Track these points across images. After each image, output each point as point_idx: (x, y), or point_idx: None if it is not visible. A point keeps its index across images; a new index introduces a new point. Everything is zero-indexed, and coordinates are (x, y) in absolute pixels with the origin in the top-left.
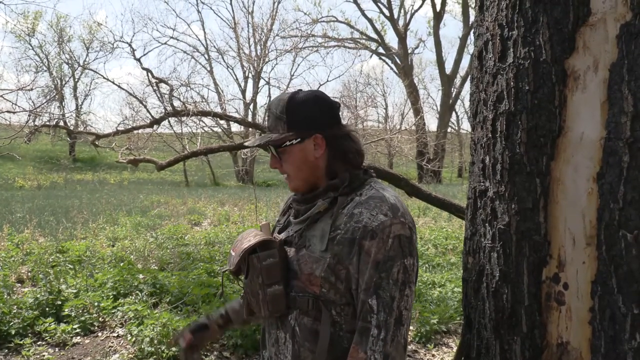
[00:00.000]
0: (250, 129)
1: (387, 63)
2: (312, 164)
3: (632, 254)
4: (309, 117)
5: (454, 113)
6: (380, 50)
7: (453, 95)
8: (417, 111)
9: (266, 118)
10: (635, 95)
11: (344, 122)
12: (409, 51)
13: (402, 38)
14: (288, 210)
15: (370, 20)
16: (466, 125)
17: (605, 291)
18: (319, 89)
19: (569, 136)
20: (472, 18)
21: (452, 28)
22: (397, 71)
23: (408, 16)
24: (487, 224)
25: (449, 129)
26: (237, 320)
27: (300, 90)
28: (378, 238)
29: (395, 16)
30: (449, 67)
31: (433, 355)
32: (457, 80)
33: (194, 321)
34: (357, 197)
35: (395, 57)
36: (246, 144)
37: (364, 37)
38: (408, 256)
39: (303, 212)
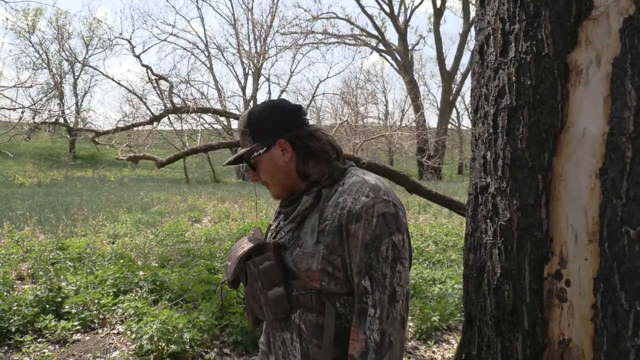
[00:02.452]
0: None
1: (387, 60)
2: (284, 168)
3: (635, 251)
4: (269, 125)
5: (454, 110)
6: (381, 46)
7: (453, 92)
8: (418, 108)
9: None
10: (638, 90)
11: (312, 122)
12: (409, 48)
13: (402, 35)
14: (278, 216)
15: (370, 17)
16: (466, 122)
17: (608, 288)
18: (280, 97)
19: (571, 131)
20: (472, 14)
21: (452, 24)
22: (397, 68)
23: (408, 12)
24: (488, 220)
25: (449, 126)
26: None
27: (257, 104)
28: (363, 220)
29: (396, 13)
30: (449, 64)
31: (433, 352)
32: (458, 77)
33: None
34: (340, 187)
35: (396, 54)
36: (222, 165)
37: (364, 33)
38: (396, 232)
39: (291, 212)
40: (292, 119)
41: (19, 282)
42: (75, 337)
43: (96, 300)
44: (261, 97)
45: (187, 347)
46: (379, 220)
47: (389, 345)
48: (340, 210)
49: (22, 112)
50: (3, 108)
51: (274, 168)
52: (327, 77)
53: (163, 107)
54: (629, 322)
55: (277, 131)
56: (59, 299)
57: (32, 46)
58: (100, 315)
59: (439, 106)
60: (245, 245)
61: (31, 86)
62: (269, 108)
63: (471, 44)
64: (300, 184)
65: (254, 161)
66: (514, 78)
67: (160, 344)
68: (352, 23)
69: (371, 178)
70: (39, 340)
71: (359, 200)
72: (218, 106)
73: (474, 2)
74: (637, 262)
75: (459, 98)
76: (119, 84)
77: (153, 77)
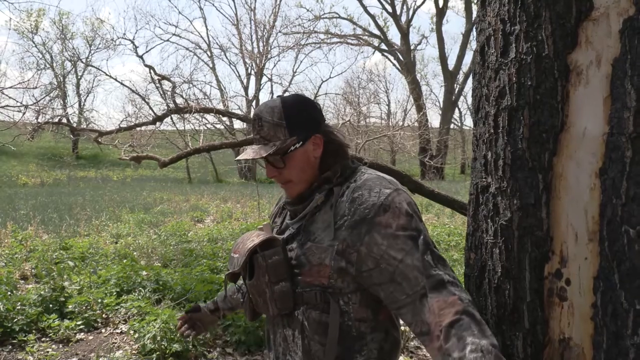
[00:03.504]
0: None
1: (389, 59)
2: (313, 164)
3: (634, 250)
4: (305, 119)
5: (456, 109)
6: (383, 46)
7: (456, 92)
8: (420, 107)
9: (256, 128)
10: (638, 90)
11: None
12: (412, 47)
13: (404, 34)
14: (282, 212)
15: (372, 17)
16: (469, 122)
17: (608, 287)
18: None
19: (572, 132)
20: (474, 14)
21: (454, 24)
22: (399, 67)
23: (410, 12)
24: (489, 220)
25: (451, 126)
26: (224, 307)
27: (282, 95)
28: (391, 209)
29: (398, 12)
30: (451, 64)
31: None
32: (460, 77)
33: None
34: (352, 184)
35: (398, 54)
36: (243, 156)
37: (366, 33)
38: (420, 220)
39: (300, 210)
40: (320, 115)
41: (23, 281)
42: (79, 336)
43: (99, 300)
44: (263, 97)
45: (190, 346)
46: (408, 207)
47: (474, 304)
48: (359, 205)
49: (24, 112)
50: (7, 108)
51: (305, 164)
52: (330, 77)
53: (166, 107)
54: (628, 320)
55: (312, 126)
56: (63, 299)
57: (35, 46)
58: (104, 315)
59: (442, 106)
60: (256, 239)
61: (35, 87)
62: (302, 102)
63: (473, 43)
64: (318, 179)
65: (286, 156)
66: (514, 79)
67: (163, 343)
68: (354, 23)
69: (385, 175)
70: (42, 339)
71: (382, 192)
72: (220, 106)
73: (476, 1)
74: (636, 261)
75: (462, 98)
76: (121, 84)
77: (156, 77)
